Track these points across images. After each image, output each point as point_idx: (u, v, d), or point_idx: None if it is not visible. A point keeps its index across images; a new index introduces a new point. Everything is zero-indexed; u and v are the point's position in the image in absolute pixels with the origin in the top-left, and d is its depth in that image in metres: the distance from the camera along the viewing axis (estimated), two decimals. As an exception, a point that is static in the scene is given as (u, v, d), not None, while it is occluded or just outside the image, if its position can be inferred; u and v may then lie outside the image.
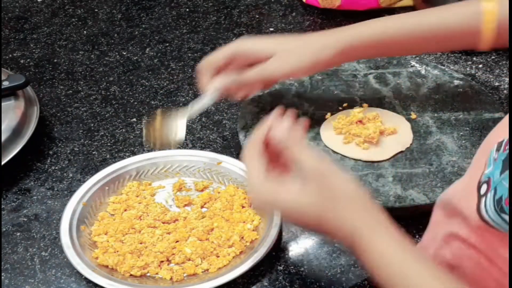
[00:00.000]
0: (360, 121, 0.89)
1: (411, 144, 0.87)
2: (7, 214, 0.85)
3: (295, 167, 0.63)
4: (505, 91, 1.00)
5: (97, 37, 1.21)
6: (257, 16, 1.25)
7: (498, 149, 0.54)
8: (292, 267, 0.76)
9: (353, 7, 1.19)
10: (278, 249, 0.77)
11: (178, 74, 1.10)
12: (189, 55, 1.14)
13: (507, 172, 0.51)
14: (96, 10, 1.30)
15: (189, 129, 0.94)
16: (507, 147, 0.53)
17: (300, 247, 0.78)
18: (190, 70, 1.10)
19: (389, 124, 0.89)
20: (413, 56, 1.02)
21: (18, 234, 0.82)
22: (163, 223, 0.80)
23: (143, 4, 1.30)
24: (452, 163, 0.83)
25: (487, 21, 0.78)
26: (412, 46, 0.85)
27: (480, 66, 1.06)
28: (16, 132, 0.90)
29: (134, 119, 1.00)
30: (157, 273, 0.75)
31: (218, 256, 0.76)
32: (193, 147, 0.90)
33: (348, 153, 0.86)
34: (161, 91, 1.06)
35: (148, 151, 0.92)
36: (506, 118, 0.58)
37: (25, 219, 0.84)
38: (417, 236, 0.78)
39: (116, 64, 1.13)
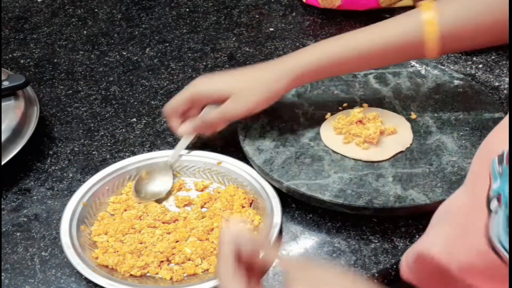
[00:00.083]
0: (360, 121, 0.89)
1: (411, 144, 0.87)
2: (7, 214, 0.85)
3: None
4: (505, 91, 1.00)
5: (97, 37, 1.21)
6: (257, 16, 1.25)
7: (500, 162, 0.53)
8: (292, 267, 0.76)
9: (353, 7, 1.19)
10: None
11: (178, 74, 1.10)
12: (189, 55, 1.14)
13: None
14: (96, 10, 1.30)
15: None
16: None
17: (300, 247, 0.78)
18: (190, 70, 1.10)
19: (389, 124, 0.89)
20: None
21: (18, 234, 0.82)
22: (163, 223, 0.80)
23: (143, 4, 1.30)
24: (452, 163, 0.83)
25: (429, 32, 0.79)
26: (361, 65, 0.87)
27: (480, 66, 1.06)
28: (16, 132, 0.90)
29: (134, 119, 1.00)
30: (157, 273, 0.75)
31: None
32: (193, 147, 0.90)
33: (348, 153, 0.86)
34: (161, 91, 1.06)
35: (148, 151, 0.92)
36: (500, 126, 0.57)
37: (25, 219, 0.84)
38: (417, 236, 0.78)
39: (116, 64, 1.13)
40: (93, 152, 0.94)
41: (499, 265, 0.52)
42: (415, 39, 0.80)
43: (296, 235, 0.80)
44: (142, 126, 0.98)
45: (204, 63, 1.12)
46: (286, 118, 0.92)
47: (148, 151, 0.92)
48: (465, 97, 0.94)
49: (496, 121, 0.88)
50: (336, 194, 0.79)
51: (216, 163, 0.86)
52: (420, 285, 0.66)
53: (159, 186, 0.84)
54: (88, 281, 0.74)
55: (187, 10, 1.28)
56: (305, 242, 0.79)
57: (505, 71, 1.04)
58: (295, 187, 0.80)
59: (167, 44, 1.18)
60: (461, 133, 0.88)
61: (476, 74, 1.04)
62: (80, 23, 1.26)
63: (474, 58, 1.07)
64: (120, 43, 1.19)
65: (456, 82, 0.97)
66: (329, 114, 0.92)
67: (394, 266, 0.75)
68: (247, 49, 1.15)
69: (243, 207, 0.81)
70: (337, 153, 0.86)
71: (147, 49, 1.17)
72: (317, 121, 0.91)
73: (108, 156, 0.93)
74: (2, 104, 0.93)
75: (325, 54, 0.84)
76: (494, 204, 0.53)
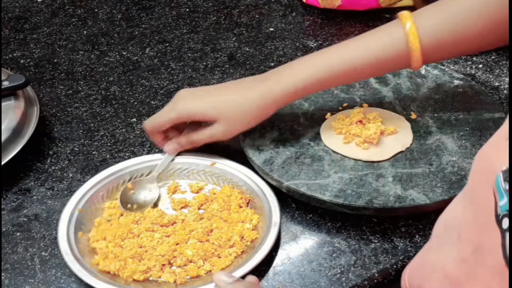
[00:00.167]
0: (360, 121, 0.89)
1: (411, 144, 0.87)
2: (7, 214, 0.85)
3: None
4: (505, 91, 1.00)
5: (97, 37, 1.21)
6: (257, 16, 1.25)
7: (506, 179, 0.52)
8: (292, 267, 0.76)
9: (353, 7, 1.19)
10: (278, 249, 0.77)
11: (178, 74, 1.10)
12: (189, 55, 1.14)
13: None
14: (96, 10, 1.30)
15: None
16: None
17: (300, 247, 0.78)
18: (190, 70, 1.10)
19: (389, 124, 0.89)
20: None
21: (18, 234, 0.82)
22: (161, 226, 0.80)
23: (143, 4, 1.30)
24: (452, 163, 0.83)
25: (410, 42, 0.79)
26: (347, 80, 0.86)
27: (480, 66, 1.06)
28: (16, 132, 0.90)
29: (134, 119, 1.00)
30: (159, 277, 0.74)
31: (219, 257, 0.76)
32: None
33: (348, 153, 0.86)
34: (161, 91, 1.06)
35: (148, 152, 0.92)
36: (498, 137, 0.57)
37: (25, 219, 0.84)
38: (417, 236, 0.78)
39: (116, 64, 1.13)
40: (93, 152, 0.94)
41: None
42: (400, 51, 0.81)
43: (296, 235, 0.80)
44: (142, 126, 0.98)
45: (204, 63, 1.12)
46: (286, 118, 0.92)
47: (148, 151, 0.92)
48: (465, 97, 0.94)
49: (496, 121, 0.89)
50: (336, 194, 0.79)
51: (210, 164, 0.86)
52: None
53: (145, 197, 0.84)
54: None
55: (187, 10, 1.28)
56: (305, 242, 0.79)
57: (505, 71, 1.04)
58: (295, 187, 0.80)
59: (167, 44, 1.18)
60: (461, 133, 0.88)
61: (476, 74, 1.04)
62: (80, 23, 1.26)
63: (474, 58, 1.07)
64: (120, 43, 1.19)
65: (456, 82, 0.97)
66: (329, 114, 0.92)
67: (394, 266, 0.76)
68: (247, 49, 1.15)
69: (240, 207, 0.81)
70: (337, 153, 0.86)
71: (147, 49, 1.17)
72: (317, 121, 0.91)
73: (108, 156, 0.93)
74: (2, 104, 0.93)
75: (310, 74, 0.82)
76: (506, 223, 0.52)
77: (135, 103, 1.04)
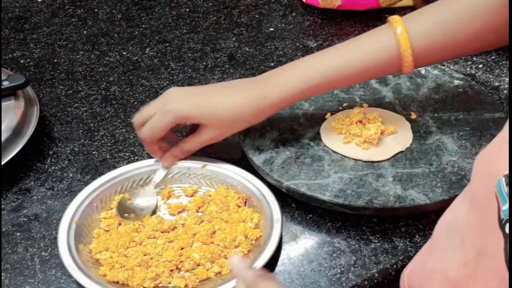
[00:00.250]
0: (360, 121, 0.89)
1: (411, 144, 0.87)
2: (7, 214, 0.85)
3: None
4: (505, 91, 1.00)
5: (97, 37, 1.21)
6: (257, 16, 1.25)
7: (507, 184, 0.52)
8: (292, 267, 0.76)
9: (353, 7, 1.19)
10: (278, 249, 0.77)
11: (178, 74, 1.10)
12: (189, 55, 1.14)
13: None
14: (96, 10, 1.30)
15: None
16: None
17: (300, 247, 0.78)
18: (190, 70, 1.10)
19: (389, 124, 0.89)
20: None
21: (18, 234, 0.82)
22: (162, 232, 0.79)
23: (143, 4, 1.30)
24: (452, 163, 0.83)
25: (401, 47, 0.79)
26: (340, 85, 0.86)
27: (480, 66, 1.06)
28: (16, 132, 0.90)
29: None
30: (169, 283, 0.73)
31: (227, 258, 0.75)
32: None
33: (348, 153, 0.86)
34: (161, 91, 1.05)
35: (147, 153, 0.92)
36: (498, 141, 0.57)
37: (25, 219, 0.84)
38: (417, 236, 0.78)
39: (116, 64, 1.13)
40: (93, 152, 0.94)
41: None
42: (392, 57, 0.80)
43: (296, 235, 0.80)
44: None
45: (204, 63, 1.12)
46: (286, 118, 0.92)
47: (147, 153, 0.92)
48: (465, 97, 0.94)
49: (496, 121, 0.89)
50: (336, 194, 0.79)
51: (201, 166, 0.85)
52: None
53: (143, 206, 0.83)
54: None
55: (187, 10, 1.28)
56: (305, 242, 0.79)
57: (505, 71, 1.04)
58: (295, 187, 0.80)
59: (167, 44, 1.18)
60: (461, 133, 0.88)
61: (476, 74, 1.04)
62: (80, 23, 1.26)
63: (474, 58, 1.07)
64: (120, 43, 1.19)
65: (456, 82, 0.97)
66: (329, 114, 0.92)
67: (394, 266, 0.76)
68: (247, 49, 1.15)
69: (239, 206, 0.81)
70: (337, 153, 0.86)
71: (147, 49, 1.17)
72: (317, 121, 0.91)
73: (108, 156, 0.93)
74: (2, 104, 0.93)
75: (305, 79, 0.82)
76: (508, 228, 0.52)
77: (135, 103, 1.04)
